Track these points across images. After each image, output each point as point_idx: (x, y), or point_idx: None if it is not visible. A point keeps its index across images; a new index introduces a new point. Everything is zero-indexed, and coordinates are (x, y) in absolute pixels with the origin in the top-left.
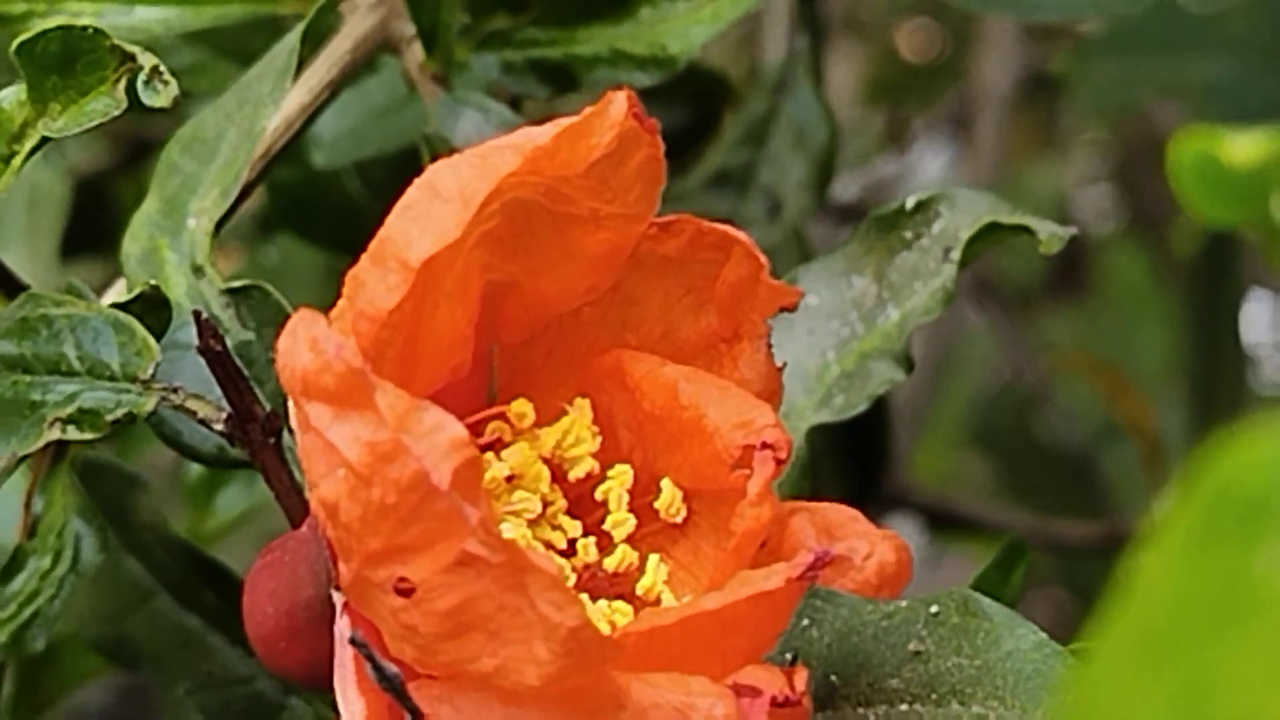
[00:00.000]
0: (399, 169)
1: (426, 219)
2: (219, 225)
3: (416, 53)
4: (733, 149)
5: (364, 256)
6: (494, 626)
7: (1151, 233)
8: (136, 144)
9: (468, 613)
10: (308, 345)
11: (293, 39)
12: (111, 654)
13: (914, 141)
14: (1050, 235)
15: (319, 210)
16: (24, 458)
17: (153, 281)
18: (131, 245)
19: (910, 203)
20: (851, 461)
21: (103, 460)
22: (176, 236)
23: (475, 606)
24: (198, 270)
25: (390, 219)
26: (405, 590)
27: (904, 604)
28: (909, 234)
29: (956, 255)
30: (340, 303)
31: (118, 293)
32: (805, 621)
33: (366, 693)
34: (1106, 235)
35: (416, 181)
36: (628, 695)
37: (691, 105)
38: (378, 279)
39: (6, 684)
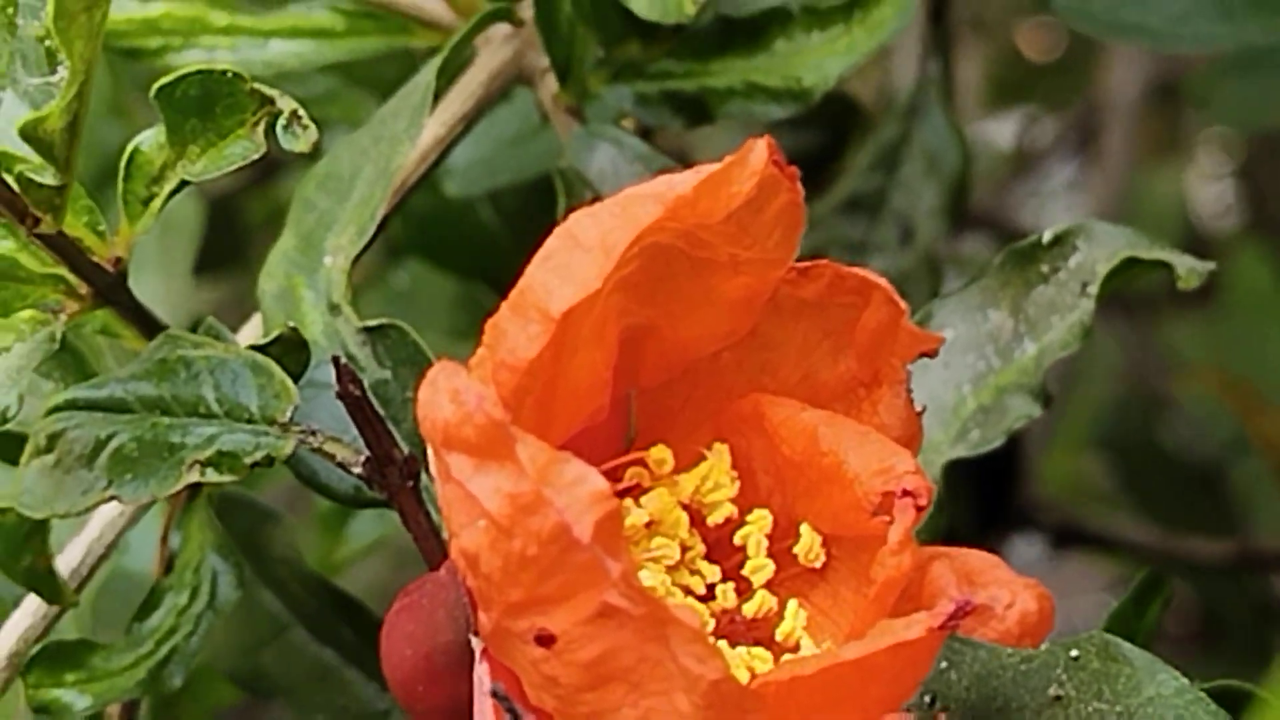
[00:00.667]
0: (531, 198)
1: (567, 269)
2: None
3: (550, 84)
4: (864, 175)
5: (504, 305)
6: (635, 678)
7: (1277, 234)
8: (267, 162)
9: (609, 664)
10: (449, 396)
11: (428, 75)
12: (248, 686)
13: (1039, 148)
14: (1189, 270)
15: (451, 238)
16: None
17: (291, 323)
18: (268, 283)
19: (1047, 236)
20: (983, 481)
21: (238, 495)
22: (313, 274)
23: (616, 658)
24: (334, 309)
25: (531, 268)
26: (546, 641)
27: (1044, 648)
28: (1045, 268)
29: (1094, 290)
30: (480, 351)
31: (254, 328)
32: (944, 664)
33: None
34: (1230, 236)
35: (557, 230)
36: None
37: (822, 129)
38: (519, 329)
39: (143, 715)
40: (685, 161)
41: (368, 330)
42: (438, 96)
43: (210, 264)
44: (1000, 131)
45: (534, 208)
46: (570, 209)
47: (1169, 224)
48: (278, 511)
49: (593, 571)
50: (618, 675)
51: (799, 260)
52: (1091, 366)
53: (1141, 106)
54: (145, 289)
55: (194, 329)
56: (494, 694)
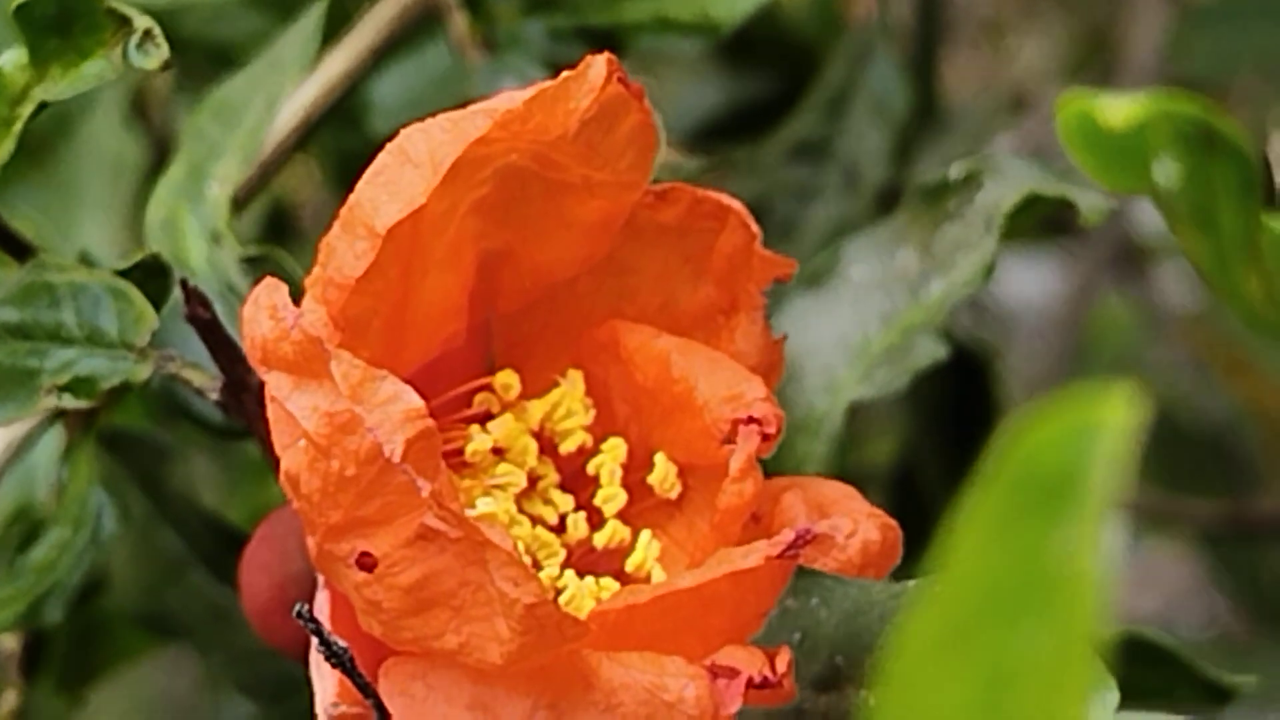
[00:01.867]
0: None
1: (396, 184)
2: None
3: (462, 19)
4: (810, 119)
5: (335, 223)
6: (456, 603)
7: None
8: None
9: (430, 588)
10: (268, 313)
11: (322, 3)
12: (152, 626)
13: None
14: (1091, 208)
15: None
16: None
17: (154, 249)
18: (154, 211)
19: (954, 172)
20: (954, 439)
21: (135, 430)
22: (197, 203)
23: (437, 582)
24: (216, 237)
25: (360, 185)
26: (368, 565)
27: (913, 582)
28: (953, 205)
29: (997, 227)
30: (315, 269)
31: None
32: (815, 600)
33: (339, 670)
34: None
35: (389, 146)
36: (597, 674)
37: (776, 74)
38: (347, 246)
39: (56, 652)
40: None
41: (248, 260)
42: (349, 28)
43: None
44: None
45: None
46: None
47: None
48: (175, 448)
49: (408, 494)
50: (439, 600)
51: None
52: (1107, 335)
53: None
54: (91, 232)
55: None
56: (298, 615)
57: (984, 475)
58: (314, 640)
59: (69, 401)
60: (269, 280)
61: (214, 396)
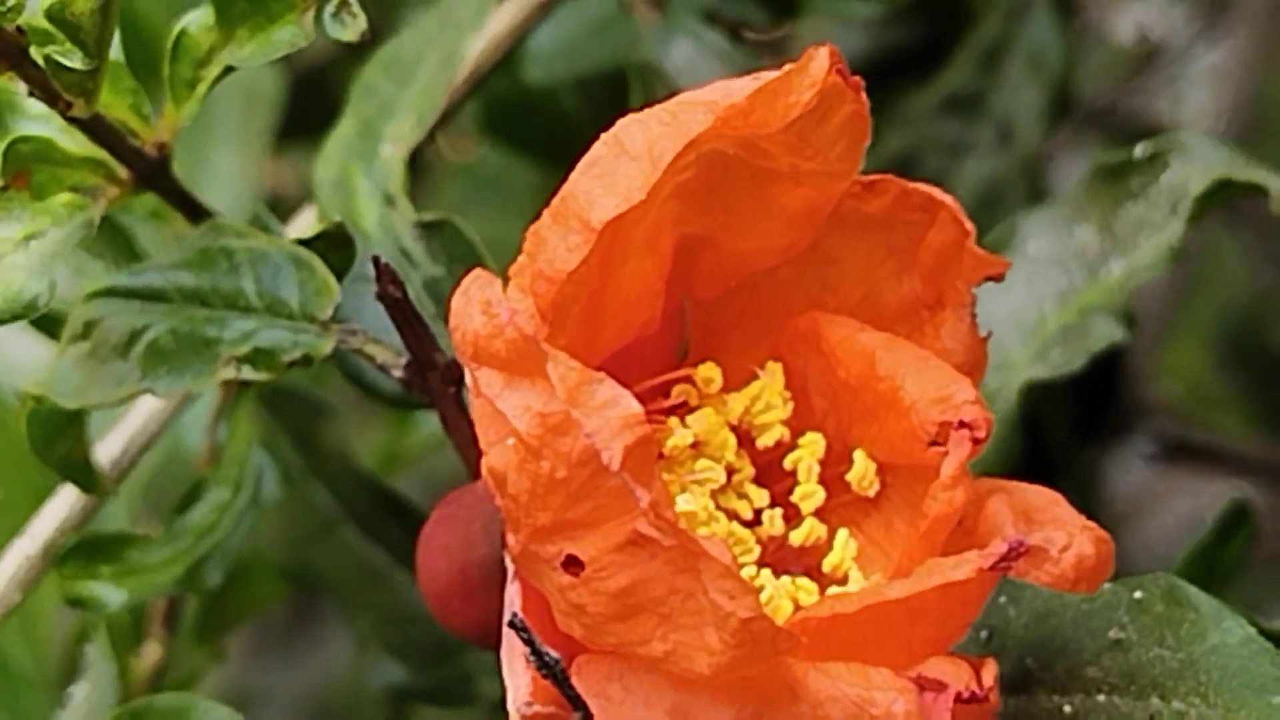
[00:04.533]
0: (618, 87)
1: (612, 177)
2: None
3: None
4: (963, 73)
5: (546, 213)
6: (665, 610)
7: None
8: None
9: (638, 595)
10: (480, 309)
11: None
12: (297, 580)
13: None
14: None
15: (533, 125)
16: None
17: (338, 218)
18: (324, 170)
19: (1139, 152)
20: (1083, 389)
21: (290, 388)
22: (370, 163)
23: (646, 589)
24: (390, 200)
25: (574, 175)
26: (574, 567)
27: (1107, 587)
28: (1136, 185)
29: (1185, 211)
30: (520, 259)
31: (309, 219)
32: (1003, 599)
33: (532, 669)
34: None
35: (604, 136)
36: (804, 686)
37: (924, 26)
38: (559, 238)
39: (192, 604)
40: (777, 60)
41: (423, 225)
42: None
43: (297, 135)
44: (1127, 21)
45: (620, 97)
46: (647, 104)
47: None
48: (331, 405)
49: (621, 499)
50: (647, 606)
51: (872, 170)
52: (1217, 280)
53: None
54: (221, 160)
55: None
56: (511, 624)
57: None
58: (519, 644)
59: (249, 373)
60: (479, 273)
61: (397, 374)
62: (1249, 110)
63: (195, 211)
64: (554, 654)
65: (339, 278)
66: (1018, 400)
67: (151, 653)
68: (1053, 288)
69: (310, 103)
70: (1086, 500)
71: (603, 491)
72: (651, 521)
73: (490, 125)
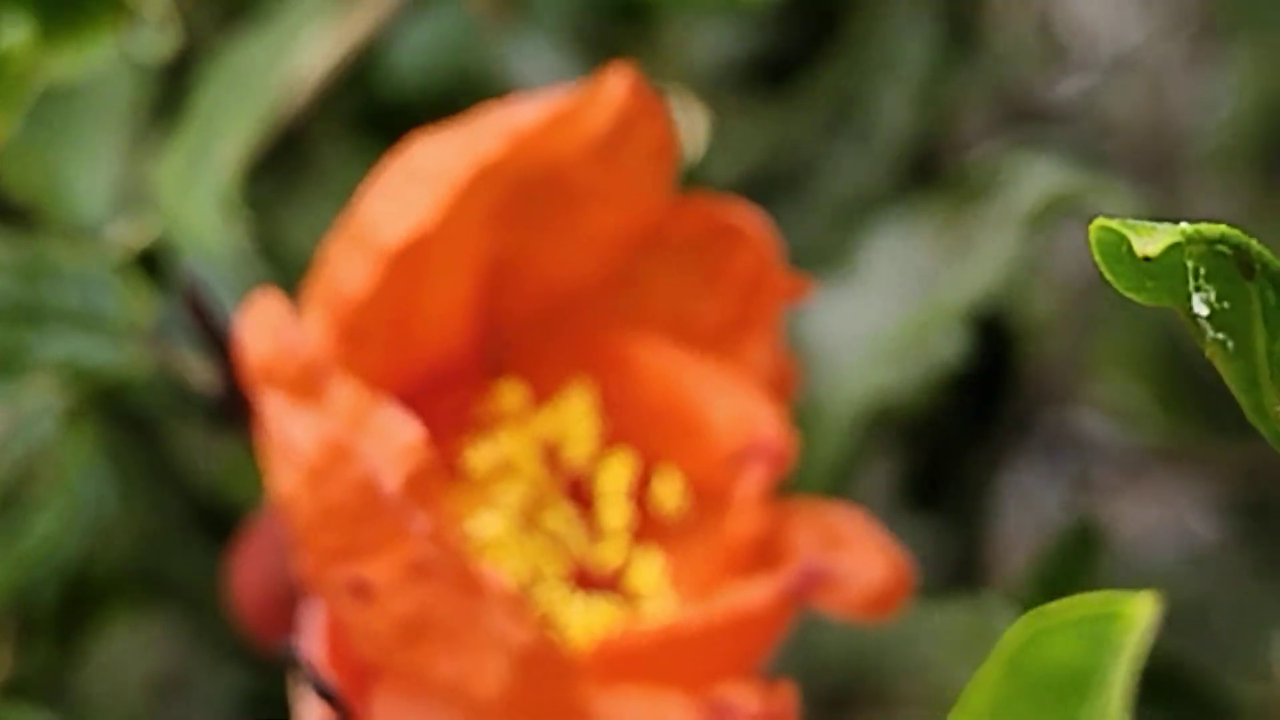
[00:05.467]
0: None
1: (402, 202)
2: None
3: None
4: (831, 77)
5: (336, 235)
6: (450, 635)
7: None
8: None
9: (424, 619)
10: (267, 331)
11: None
12: (148, 588)
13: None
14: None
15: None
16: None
17: (162, 228)
18: (161, 176)
19: (979, 166)
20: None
21: (134, 400)
22: (208, 170)
23: (432, 613)
24: (228, 207)
25: (365, 199)
26: (362, 592)
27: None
28: (977, 200)
29: (1018, 226)
30: (316, 281)
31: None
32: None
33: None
34: None
35: (395, 161)
36: (593, 711)
37: (799, 28)
38: (350, 263)
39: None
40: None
41: (260, 235)
42: None
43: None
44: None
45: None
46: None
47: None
48: (175, 417)
49: (402, 524)
50: (435, 631)
51: (733, 180)
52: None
53: None
54: (82, 162)
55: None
56: (287, 655)
57: (993, 669)
58: (300, 670)
59: (66, 389)
60: (268, 294)
61: (211, 392)
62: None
63: (20, 219)
64: (332, 686)
65: (166, 291)
66: (852, 415)
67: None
68: (892, 303)
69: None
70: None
71: (383, 517)
72: (431, 547)
73: (354, 137)
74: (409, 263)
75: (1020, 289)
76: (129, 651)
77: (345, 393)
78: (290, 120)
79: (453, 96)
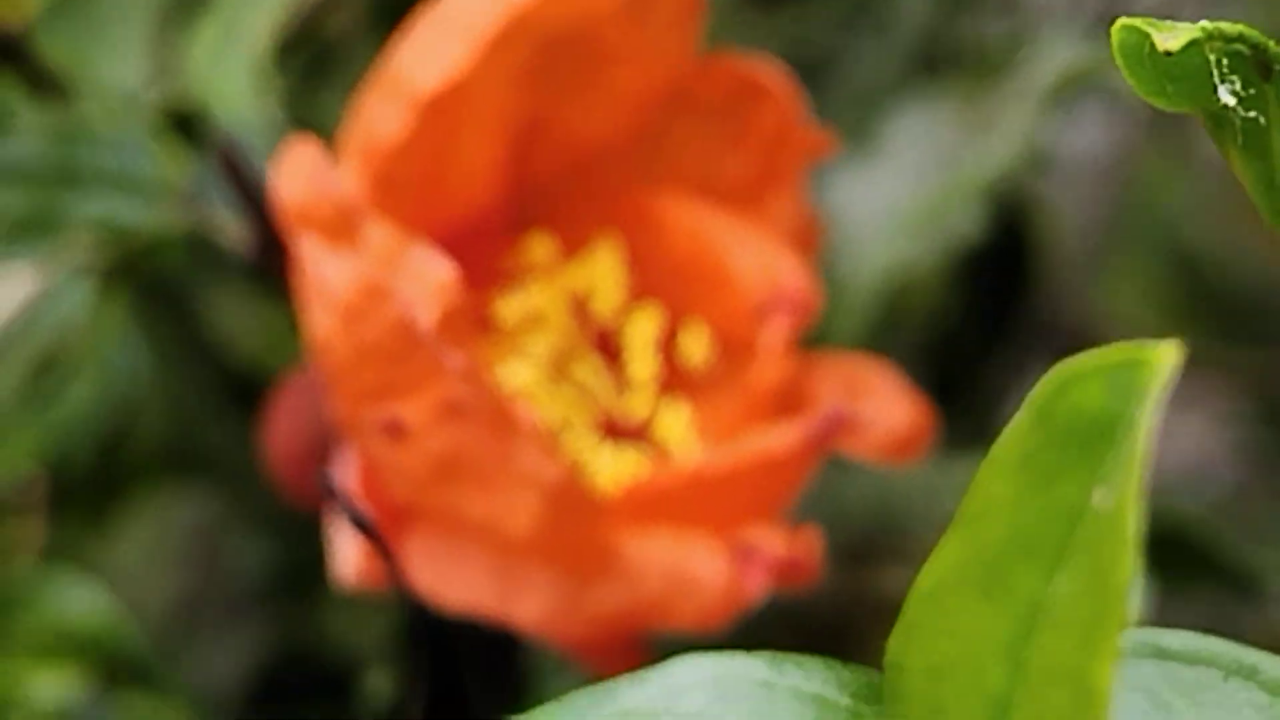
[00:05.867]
0: None
1: (435, 51)
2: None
3: None
4: None
5: (370, 85)
6: (483, 473)
7: None
8: None
9: (457, 458)
10: (303, 176)
11: None
12: (178, 461)
13: None
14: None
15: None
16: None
17: (207, 91)
18: (195, 47)
19: (1001, 42)
20: (993, 295)
21: (168, 271)
22: (239, 39)
23: (465, 452)
24: (259, 75)
25: (399, 49)
26: (396, 431)
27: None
28: (998, 74)
29: (1042, 102)
30: (350, 129)
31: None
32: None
33: (357, 535)
34: None
35: (429, 10)
36: (623, 551)
37: None
38: (383, 112)
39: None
40: None
41: (291, 101)
42: None
43: None
44: None
45: None
46: None
47: None
48: (206, 289)
49: (436, 363)
50: (467, 469)
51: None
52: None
53: None
54: (113, 34)
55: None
56: (325, 486)
57: (1022, 420)
58: (337, 504)
59: (102, 248)
60: (303, 139)
61: (245, 250)
62: None
63: (61, 91)
64: (371, 519)
65: (199, 152)
66: (878, 289)
67: (31, 529)
68: (911, 177)
69: None
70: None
71: (418, 356)
72: (465, 386)
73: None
74: (441, 112)
75: (1038, 201)
76: (161, 522)
77: (380, 234)
78: (312, 6)
79: None
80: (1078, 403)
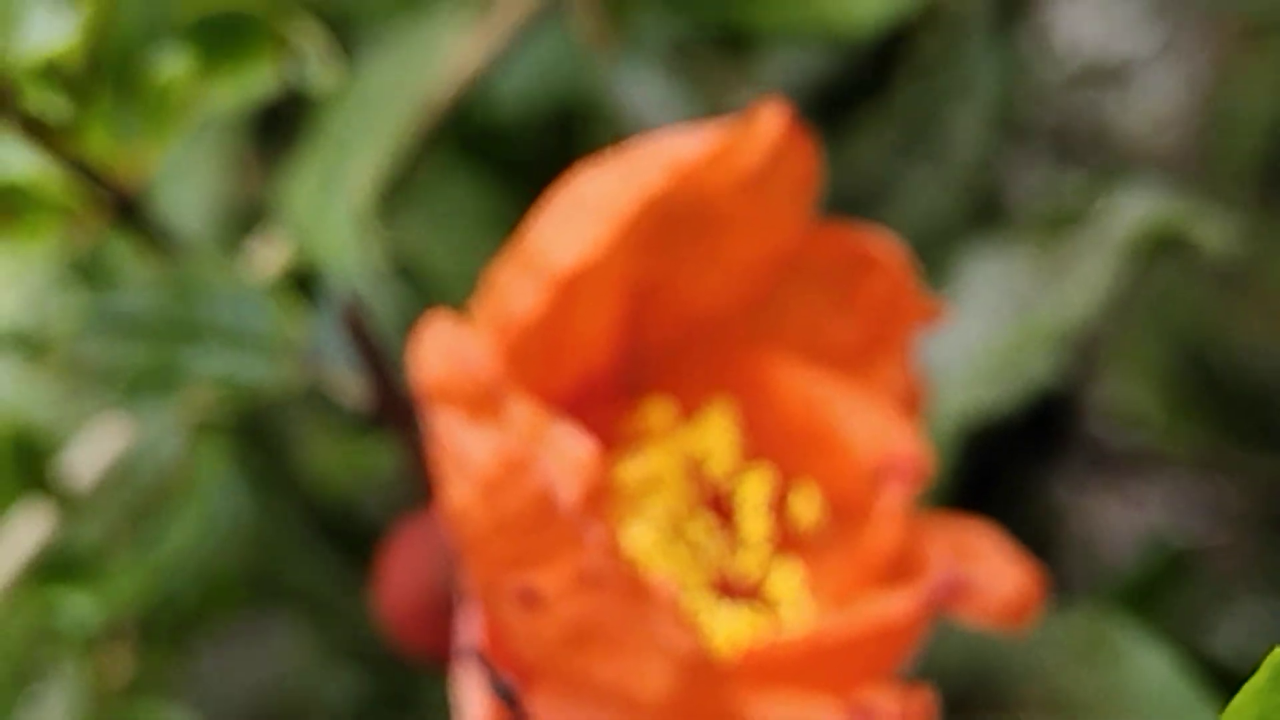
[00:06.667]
0: (578, 118)
1: (572, 230)
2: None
3: (589, 11)
4: (902, 100)
5: (506, 260)
6: (614, 641)
7: None
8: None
9: (592, 626)
10: (443, 352)
11: None
12: (260, 593)
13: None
14: (1214, 238)
15: (495, 158)
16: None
17: (313, 244)
18: (292, 201)
19: (1077, 188)
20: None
21: (262, 410)
22: (338, 196)
23: (597, 619)
24: (361, 227)
25: (535, 227)
26: (531, 599)
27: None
28: (1071, 220)
29: (1116, 254)
30: (482, 304)
31: (278, 244)
32: (941, 628)
33: (488, 696)
34: None
35: (563, 189)
36: (745, 713)
37: (869, 53)
38: (519, 288)
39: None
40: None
41: (390, 258)
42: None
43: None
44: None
45: (579, 129)
46: (605, 143)
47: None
48: (297, 428)
49: (575, 535)
50: (598, 636)
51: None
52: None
53: None
54: (192, 183)
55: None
56: (469, 653)
57: (1261, 679)
58: (474, 672)
59: (219, 405)
60: (442, 315)
61: (360, 405)
62: (1201, 122)
63: (174, 244)
64: (509, 681)
65: (309, 309)
66: (954, 431)
67: (123, 659)
68: (987, 324)
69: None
70: (1030, 520)
71: (558, 528)
72: (602, 557)
73: (453, 158)
74: (574, 289)
75: None
76: (248, 656)
77: (522, 410)
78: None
79: (556, 121)
80: None
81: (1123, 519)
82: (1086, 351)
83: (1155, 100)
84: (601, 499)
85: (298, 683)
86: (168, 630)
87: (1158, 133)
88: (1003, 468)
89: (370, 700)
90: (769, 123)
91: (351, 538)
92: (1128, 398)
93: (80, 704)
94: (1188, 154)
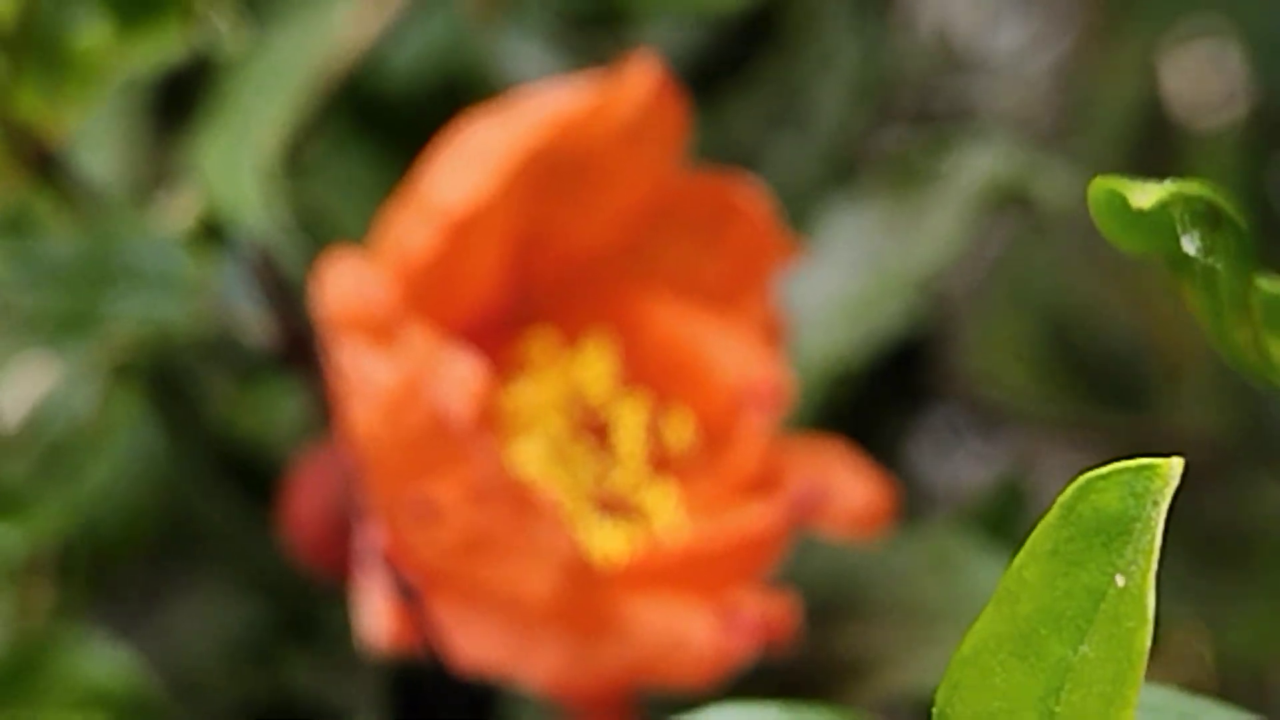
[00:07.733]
0: (461, 86)
1: (462, 176)
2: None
3: None
4: (763, 74)
5: (400, 204)
6: (503, 547)
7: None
8: None
9: (480, 533)
10: (345, 285)
11: None
12: (172, 532)
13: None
14: (1053, 192)
15: (380, 127)
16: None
17: (222, 198)
18: (203, 157)
19: (926, 143)
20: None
21: (175, 358)
22: (245, 156)
23: (487, 528)
24: (267, 184)
25: (427, 173)
26: (427, 510)
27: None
28: (924, 182)
29: (966, 208)
30: (377, 244)
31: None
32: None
33: (391, 601)
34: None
35: (453, 137)
36: (623, 615)
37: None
38: (413, 229)
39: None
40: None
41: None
42: None
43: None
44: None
45: (461, 95)
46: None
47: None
48: (208, 373)
49: (466, 450)
50: (488, 547)
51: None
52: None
53: None
54: (107, 140)
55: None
56: (374, 562)
57: (1052, 516)
58: (378, 580)
59: (132, 347)
60: (346, 252)
61: (270, 345)
62: (1065, 103)
63: (92, 198)
64: (409, 581)
65: (218, 258)
66: (817, 375)
67: (44, 592)
68: (845, 274)
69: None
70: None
71: (451, 444)
72: (491, 471)
73: (346, 128)
74: (464, 229)
75: None
76: (170, 597)
77: (417, 336)
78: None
79: (444, 93)
80: (1099, 502)
81: (981, 475)
82: (950, 314)
83: (1020, 87)
84: (491, 420)
85: (206, 624)
86: (86, 565)
87: (1022, 120)
88: (867, 429)
89: (274, 628)
90: (640, 78)
91: (258, 476)
92: (991, 360)
93: (2, 633)
94: (1050, 139)
